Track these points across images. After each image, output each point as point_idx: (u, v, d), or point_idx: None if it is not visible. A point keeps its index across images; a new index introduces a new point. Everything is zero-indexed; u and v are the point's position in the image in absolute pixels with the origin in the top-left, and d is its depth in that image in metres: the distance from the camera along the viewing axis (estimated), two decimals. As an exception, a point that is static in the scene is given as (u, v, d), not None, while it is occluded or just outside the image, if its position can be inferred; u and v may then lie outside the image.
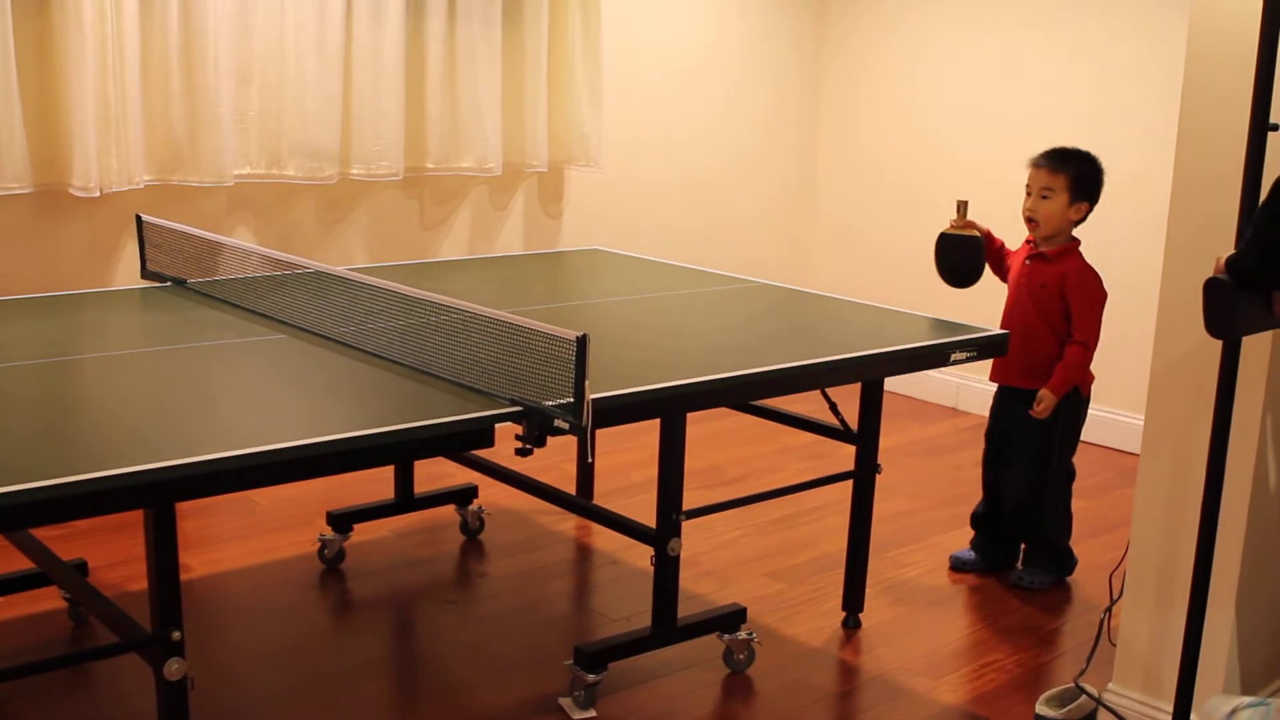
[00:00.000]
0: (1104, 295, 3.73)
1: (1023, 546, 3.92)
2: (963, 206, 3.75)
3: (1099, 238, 5.11)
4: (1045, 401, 3.68)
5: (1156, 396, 2.81)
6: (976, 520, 3.99)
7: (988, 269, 3.81)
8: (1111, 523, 4.36)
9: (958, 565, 3.96)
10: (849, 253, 6.18)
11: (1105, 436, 5.19)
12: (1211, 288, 2.28)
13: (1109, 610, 3.06)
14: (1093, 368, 3.66)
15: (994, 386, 3.93)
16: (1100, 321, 3.71)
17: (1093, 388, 3.79)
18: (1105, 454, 5.12)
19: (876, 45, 5.96)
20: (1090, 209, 3.70)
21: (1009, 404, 3.83)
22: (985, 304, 3.98)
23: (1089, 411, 3.82)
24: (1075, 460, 3.83)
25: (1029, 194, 3.71)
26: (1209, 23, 2.61)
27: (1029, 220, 3.71)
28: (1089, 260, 3.72)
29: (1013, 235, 3.87)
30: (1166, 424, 2.79)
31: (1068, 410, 3.74)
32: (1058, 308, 3.69)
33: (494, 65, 4.95)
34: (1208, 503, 2.45)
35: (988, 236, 3.80)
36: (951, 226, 3.75)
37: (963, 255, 3.73)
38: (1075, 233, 3.75)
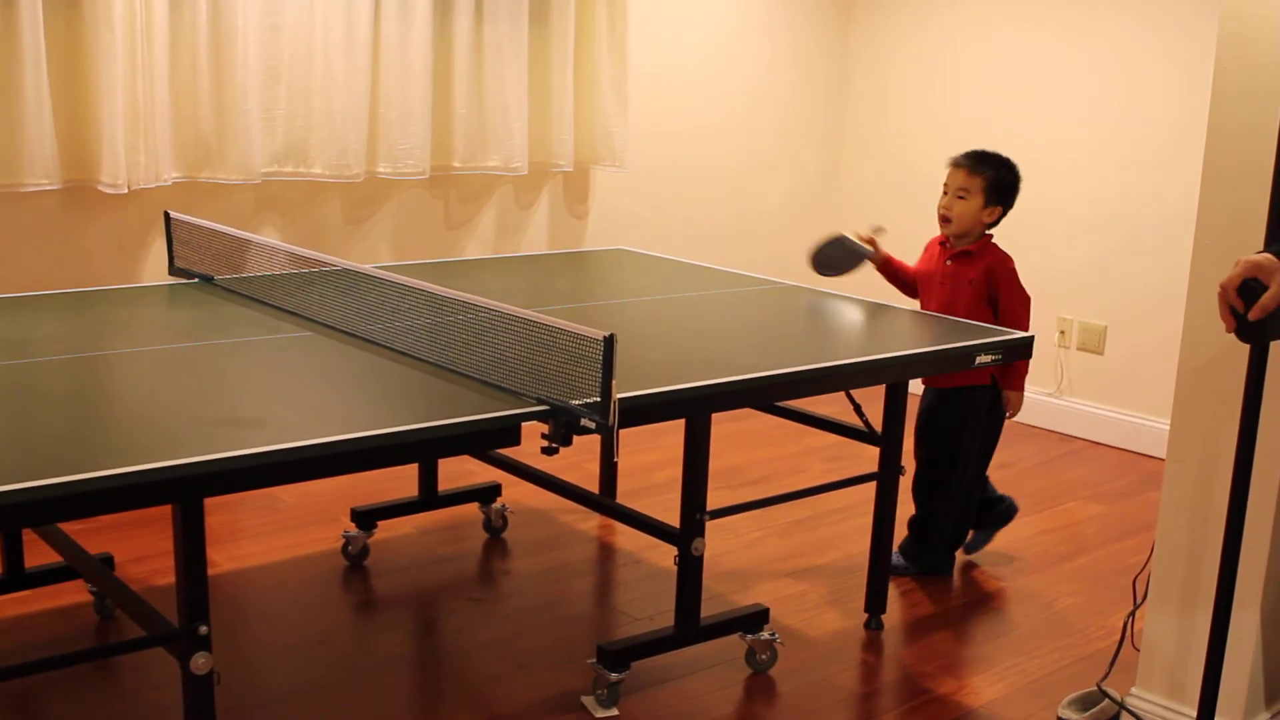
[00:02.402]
0: (1023, 288, 3.75)
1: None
2: (877, 230, 3.91)
3: (1124, 239, 5.11)
4: (1013, 402, 3.75)
5: (1183, 400, 2.80)
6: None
7: (878, 279, 3.96)
8: (1135, 527, 4.35)
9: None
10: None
11: (1128, 440, 5.17)
12: (1244, 292, 2.27)
13: (1132, 614, 3.05)
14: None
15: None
16: (1028, 307, 3.74)
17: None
18: (1128, 458, 5.10)
19: (902, 43, 5.95)
20: (1003, 213, 3.76)
21: (932, 403, 3.83)
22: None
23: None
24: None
25: (945, 192, 3.77)
26: (1238, 24, 2.60)
27: (943, 218, 3.77)
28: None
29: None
30: (1193, 428, 2.78)
31: (982, 400, 3.74)
32: (984, 301, 3.73)
33: (520, 65, 4.96)
34: (1234, 507, 2.44)
35: (887, 260, 3.90)
36: (856, 235, 3.87)
37: (844, 256, 3.85)
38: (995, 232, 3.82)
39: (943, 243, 3.82)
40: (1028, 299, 3.75)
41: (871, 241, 3.86)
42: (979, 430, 3.78)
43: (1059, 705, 3.08)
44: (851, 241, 3.85)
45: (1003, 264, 3.73)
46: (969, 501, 3.86)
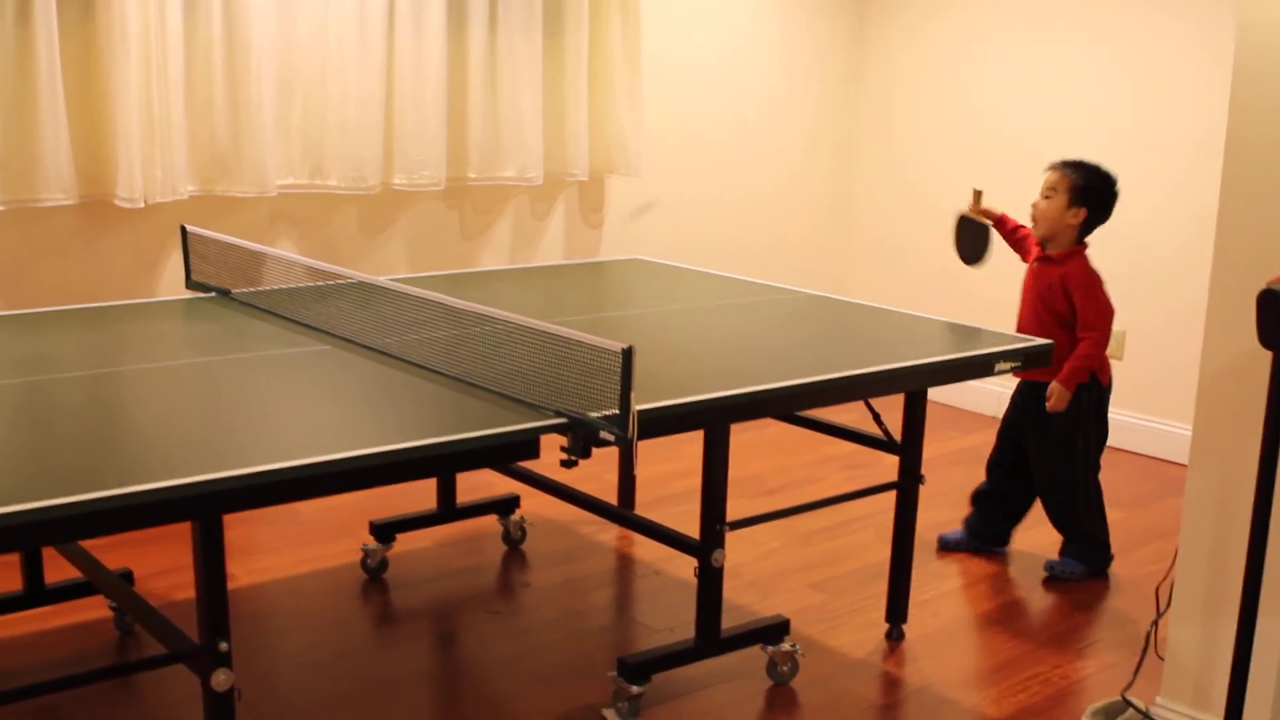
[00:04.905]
0: (1107, 299, 3.80)
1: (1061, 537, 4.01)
2: (978, 195, 3.95)
3: (1145, 244, 5.08)
4: (1056, 395, 3.78)
5: (1204, 406, 2.78)
6: (976, 498, 4.11)
7: (1005, 247, 4.02)
8: (1157, 533, 4.32)
9: (946, 545, 4.12)
10: (887, 261, 6.15)
11: (1150, 446, 5.15)
12: (1267, 299, 2.26)
13: (1156, 622, 3.03)
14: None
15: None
16: (1106, 318, 3.79)
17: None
18: (1150, 464, 5.07)
19: (915, 54, 5.93)
20: (1090, 217, 3.79)
21: (1030, 397, 3.92)
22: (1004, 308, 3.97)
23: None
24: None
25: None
26: (1256, 35, 2.58)
27: (1033, 218, 3.85)
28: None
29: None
30: (1215, 434, 2.76)
31: (1089, 400, 3.82)
32: (1064, 306, 3.79)
33: (535, 74, 4.96)
34: (1258, 514, 2.42)
35: (1001, 219, 3.99)
36: (970, 209, 3.95)
37: (974, 235, 3.92)
38: (1090, 240, 3.85)
39: (1039, 244, 3.88)
40: (1108, 311, 3.78)
41: (982, 211, 3.93)
42: (1089, 427, 3.85)
43: (1083, 715, 3.06)
44: (970, 218, 3.93)
45: (1080, 275, 3.77)
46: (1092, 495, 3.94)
